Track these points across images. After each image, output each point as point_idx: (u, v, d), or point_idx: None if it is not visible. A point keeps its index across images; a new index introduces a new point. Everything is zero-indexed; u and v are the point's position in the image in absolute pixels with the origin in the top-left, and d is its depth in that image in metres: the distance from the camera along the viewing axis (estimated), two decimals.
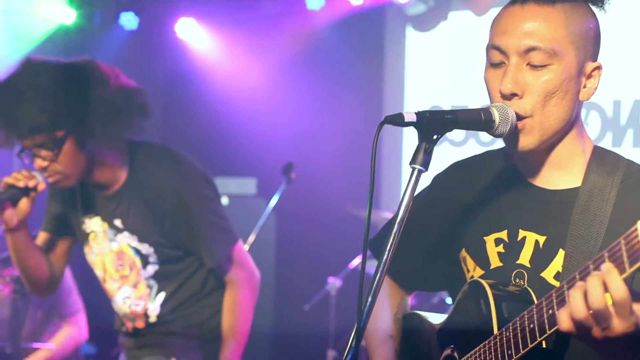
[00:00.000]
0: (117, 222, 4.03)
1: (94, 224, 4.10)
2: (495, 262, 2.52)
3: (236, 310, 4.09)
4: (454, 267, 2.66)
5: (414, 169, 2.20)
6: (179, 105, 9.53)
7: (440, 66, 8.28)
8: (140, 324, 4.17)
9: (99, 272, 4.18)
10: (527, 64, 2.34)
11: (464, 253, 2.62)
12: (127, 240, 4.03)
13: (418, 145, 2.21)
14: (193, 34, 8.95)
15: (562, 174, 2.46)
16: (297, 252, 8.84)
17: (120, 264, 4.09)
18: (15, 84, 3.75)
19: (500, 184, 2.58)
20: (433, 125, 2.21)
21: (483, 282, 2.41)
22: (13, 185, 3.72)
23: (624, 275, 1.93)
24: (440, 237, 2.70)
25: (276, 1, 8.61)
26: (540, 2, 2.35)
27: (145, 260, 4.04)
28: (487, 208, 2.58)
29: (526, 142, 2.36)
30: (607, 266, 1.95)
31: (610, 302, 1.97)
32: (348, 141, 8.43)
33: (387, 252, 2.20)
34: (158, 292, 4.09)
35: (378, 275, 2.19)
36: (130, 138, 4.01)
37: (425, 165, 2.20)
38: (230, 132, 9.09)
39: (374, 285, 2.19)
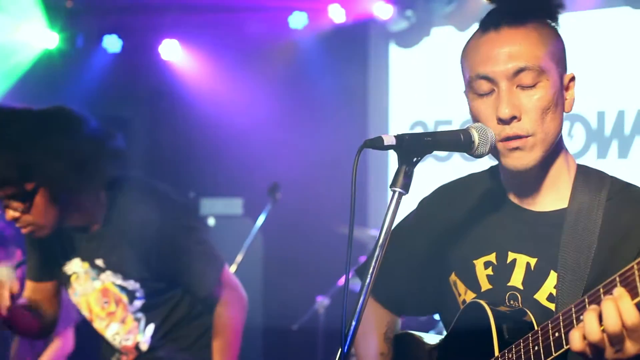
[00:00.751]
0: (99, 262, 3.95)
1: (74, 266, 4.02)
2: (485, 285, 2.52)
3: (227, 330, 4.03)
4: (444, 291, 2.65)
5: (394, 191, 2.20)
6: (164, 127, 9.53)
7: (424, 82, 8.31)
8: (132, 356, 4.11)
9: (85, 313, 4.10)
10: (517, 86, 2.34)
11: (454, 277, 2.61)
12: (111, 279, 3.95)
13: (398, 168, 2.21)
14: (177, 56, 8.96)
15: (548, 193, 2.46)
16: (284, 272, 8.82)
17: (105, 301, 4.01)
18: None
19: (486, 206, 2.57)
20: (412, 147, 2.20)
21: (483, 303, 2.40)
22: None
23: (636, 300, 1.94)
24: (429, 261, 2.69)
25: (259, 21, 8.63)
26: (513, 25, 2.36)
27: (131, 296, 3.97)
28: (474, 231, 2.58)
29: (529, 159, 2.36)
30: (619, 291, 1.96)
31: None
32: (333, 159, 8.42)
33: (369, 276, 2.19)
34: (147, 324, 4.03)
35: (361, 298, 2.18)
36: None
37: (406, 187, 2.19)
38: (216, 153, 9.08)
39: (358, 309, 2.17)
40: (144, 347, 4.06)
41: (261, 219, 7.17)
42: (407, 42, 8.41)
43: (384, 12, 8.15)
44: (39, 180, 3.64)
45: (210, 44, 8.90)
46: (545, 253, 2.42)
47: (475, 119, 2.43)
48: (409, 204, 2.46)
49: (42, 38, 8.48)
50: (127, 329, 4.04)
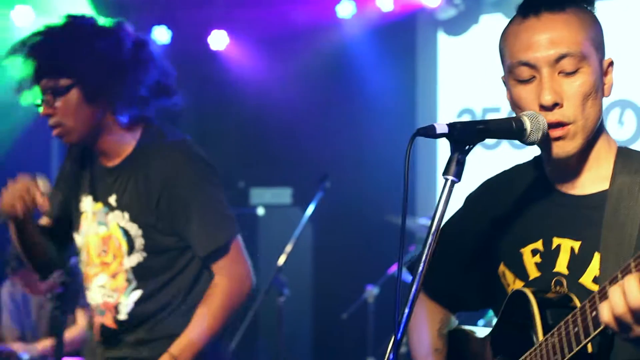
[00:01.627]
0: (112, 200, 3.87)
1: (86, 204, 3.97)
2: (533, 272, 2.52)
3: (217, 300, 3.79)
4: (494, 283, 2.65)
5: (447, 179, 2.20)
6: (214, 117, 9.58)
7: (472, 70, 8.29)
8: (109, 321, 3.92)
9: (83, 255, 4.01)
10: (559, 73, 2.35)
11: (502, 267, 2.61)
12: (117, 219, 3.85)
13: (450, 156, 2.22)
14: (226, 46, 9.00)
15: (590, 177, 2.46)
16: (334, 261, 8.85)
17: (104, 249, 3.91)
18: (40, 30, 3.76)
19: (530, 195, 2.59)
20: (465, 136, 2.21)
21: (526, 290, 2.41)
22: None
23: None
24: (478, 255, 2.70)
25: (307, 11, 8.65)
26: (553, 11, 2.38)
27: (131, 245, 3.83)
28: (520, 220, 2.59)
29: (571, 147, 2.37)
30: None
31: None
32: (382, 148, 8.44)
33: (422, 263, 2.19)
34: (135, 288, 3.86)
35: (414, 285, 2.19)
36: (150, 122, 3.93)
37: (458, 176, 2.20)
38: (265, 142, 9.12)
39: (411, 296, 2.18)
40: (124, 311, 3.88)
41: (310, 209, 7.19)
42: (456, 30, 8.39)
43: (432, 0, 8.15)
44: (75, 77, 3.68)
45: (259, 34, 8.93)
46: (588, 236, 2.42)
47: (515, 105, 2.44)
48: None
49: None
50: (114, 285, 3.90)
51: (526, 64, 2.38)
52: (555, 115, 2.34)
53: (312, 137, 9.07)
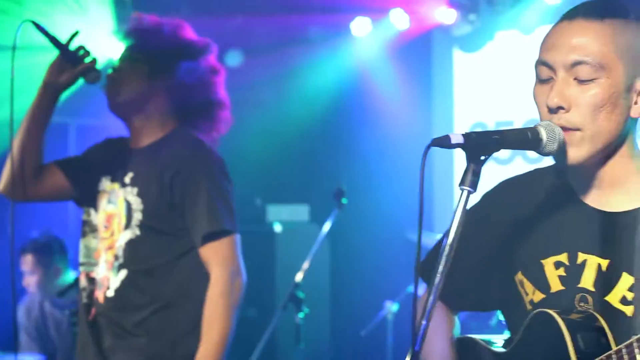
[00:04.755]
0: (127, 178, 4.08)
1: (104, 184, 4.17)
2: (556, 285, 2.47)
3: (212, 309, 3.94)
4: (509, 289, 2.60)
5: (462, 190, 2.19)
6: (228, 133, 9.58)
7: (487, 85, 8.32)
8: (100, 295, 4.05)
9: (98, 233, 4.18)
10: (574, 79, 2.32)
11: (520, 276, 2.56)
12: (125, 194, 4.05)
13: (466, 166, 2.20)
14: (240, 63, 9.02)
15: (617, 194, 2.42)
16: (352, 277, 8.84)
17: (105, 225, 4.09)
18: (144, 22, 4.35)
19: (553, 204, 2.53)
20: (480, 146, 2.19)
21: (554, 313, 2.35)
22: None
23: None
24: (492, 257, 2.63)
25: (322, 29, 8.68)
26: (588, 18, 2.34)
27: (129, 220, 4.01)
28: (541, 229, 2.53)
29: (576, 154, 2.33)
30: None
31: None
32: (399, 163, 8.43)
33: (439, 275, 2.18)
34: (121, 266, 4.01)
35: (431, 298, 2.17)
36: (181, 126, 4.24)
37: (474, 186, 2.18)
38: (282, 160, 9.13)
39: (427, 309, 2.16)
40: (112, 287, 4.03)
41: (327, 225, 7.17)
42: (471, 47, 8.40)
43: (447, 16, 8.15)
44: (149, 56, 4.17)
45: (273, 51, 8.95)
46: (617, 255, 2.37)
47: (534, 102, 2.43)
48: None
49: (107, 47, 8.54)
50: (107, 259, 4.07)
51: (545, 64, 2.37)
52: (560, 120, 2.32)
53: (329, 153, 9.08)
